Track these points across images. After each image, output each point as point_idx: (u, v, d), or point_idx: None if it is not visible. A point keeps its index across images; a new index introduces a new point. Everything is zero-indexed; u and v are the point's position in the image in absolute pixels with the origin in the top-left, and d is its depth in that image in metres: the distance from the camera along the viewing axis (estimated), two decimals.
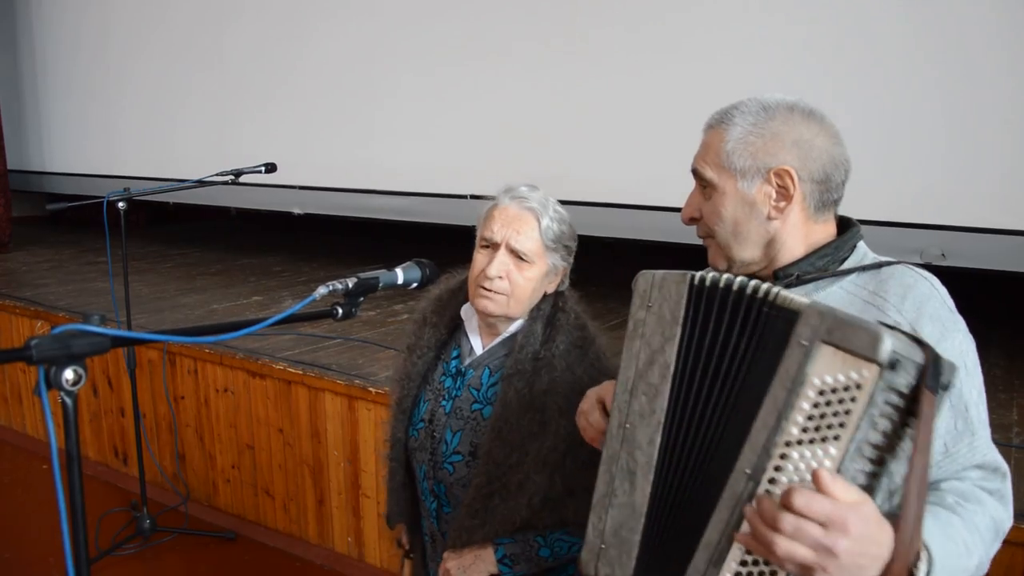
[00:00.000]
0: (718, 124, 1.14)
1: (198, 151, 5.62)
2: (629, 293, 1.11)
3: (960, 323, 1.07)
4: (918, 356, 0.85)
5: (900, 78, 3.16)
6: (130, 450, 3.77)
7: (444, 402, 1.58)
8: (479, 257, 1.52)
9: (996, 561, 2.01)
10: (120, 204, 3.07)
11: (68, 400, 0.85)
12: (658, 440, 1.04)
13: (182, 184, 3.33)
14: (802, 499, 0.83)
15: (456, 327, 1.63)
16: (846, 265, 1.13)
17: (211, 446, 3.57)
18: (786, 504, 0.84)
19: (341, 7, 4.83)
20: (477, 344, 1.59)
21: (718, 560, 0.94)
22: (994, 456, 1.04)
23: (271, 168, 3.29)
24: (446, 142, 4.49)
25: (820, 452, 0.86)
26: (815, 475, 0.84)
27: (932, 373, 0.85)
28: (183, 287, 4.87)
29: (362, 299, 1.18)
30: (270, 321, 0.94)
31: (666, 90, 3.71)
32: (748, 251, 1.14)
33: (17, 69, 6.84)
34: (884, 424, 0.86)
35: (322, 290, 1.11)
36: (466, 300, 1.60)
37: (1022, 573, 1.99)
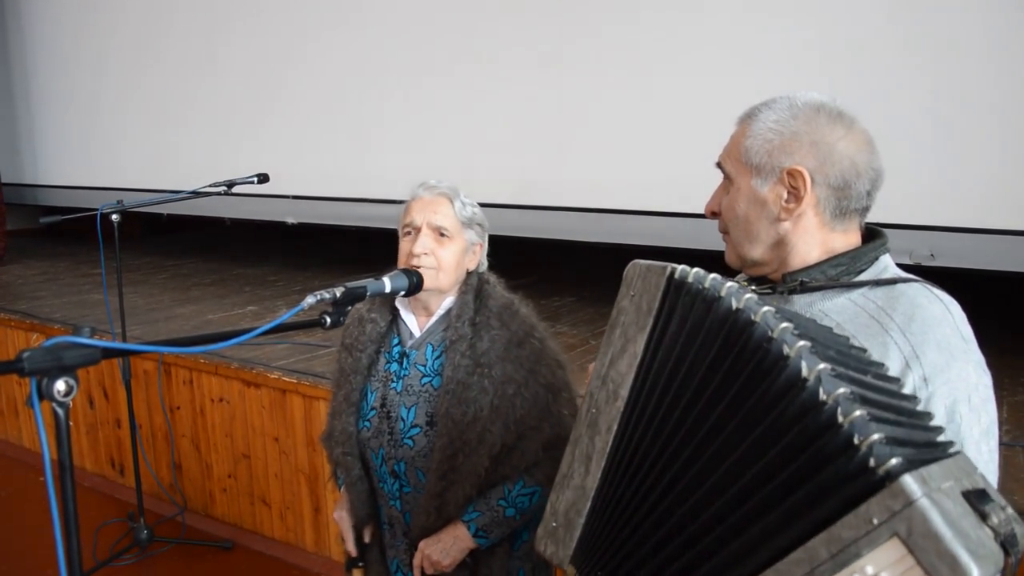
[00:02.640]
0: (746, 118, 1.12)
1: (192, 162, 5.64)
2: None
3: (973, 353, 1.01)
4: (993, 571, 0.74)
5: (888, 80, 3.19)
6: (127, 461, 3.78)
7: (393, 384, 1.67)
8: (404, 244, 1.64)
9: None
10: (114, 216, 3.09)
11: (60, 411, 0.86)
12: (615, 428, 1.03)
13: (176, 196, 3.35)
14: None
15: (393, 319, 1.73)
16: (862, 277, 1.07)
17: (207, 456, 3.58)
18: None
19: (334, 19, 4.86)
20: (415, 327, 1.70)
21: None
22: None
23: (264, 179, 3.31)
24: (439, 151, 4.52)
25: None
26: None
27: None
28: (178, 298, 4.88)
29: (350, 308, 1.20)
30: (258, 331, 0.96)
31: (659, 97, 3.74)
32: (757, 251, 1.11)
33: (9, 82, 6.86)
34: None
35: (310, 299, 1.14)
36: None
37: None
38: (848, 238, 1.10)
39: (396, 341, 1.71)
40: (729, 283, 0.94)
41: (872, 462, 0.76)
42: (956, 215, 3.13)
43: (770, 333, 0.86)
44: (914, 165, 3.19)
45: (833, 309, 1.05)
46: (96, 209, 3.11)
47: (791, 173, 1.05)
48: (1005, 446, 2.44)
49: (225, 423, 3.49)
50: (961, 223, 3.12)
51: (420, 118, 4.58)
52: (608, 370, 1.06)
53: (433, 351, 1.66)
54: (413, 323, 1.70)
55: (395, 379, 1.67)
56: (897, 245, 3.67)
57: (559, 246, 4.21)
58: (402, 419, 1.64)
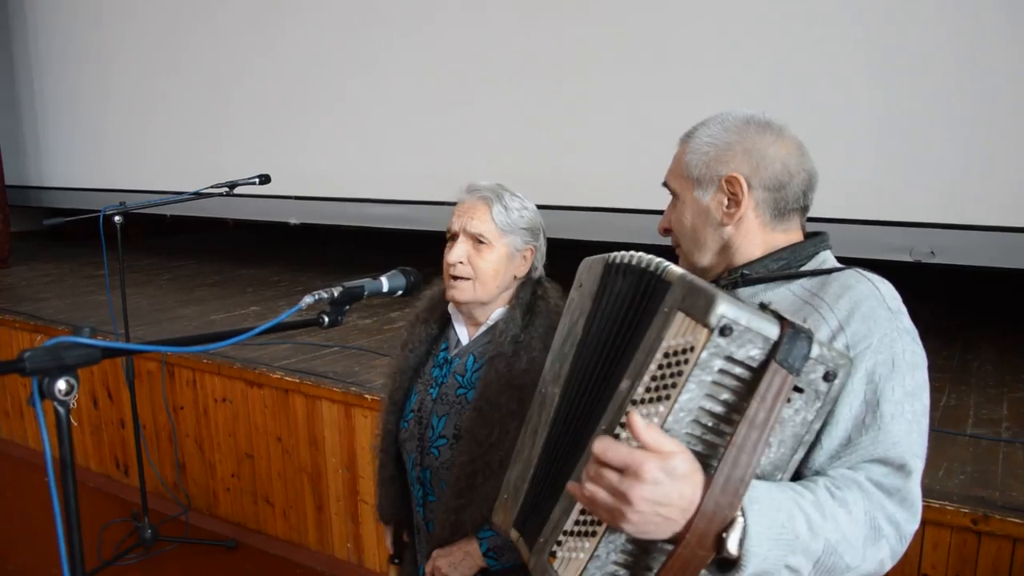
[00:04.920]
0: (686, 138, 1.20)
1: (194, 163, 5.66)
2: None
3: (900, 322, 1.05)
4: (771, 331, 0.85)
5: (887, 78, 3.20)
6: (131, 461, 3.80)
7: (431, 390, 1.65)
8: (445, 252, 1.61)
9: (984, 554, 2.05)
10: (116, 218, 3.11)
11: (61, 409, 0.88)
12: (556, 400, 1.11)
13: (178, 197, 3.36)
14: (600, 446, 0.86)
15: (447, 323, 1.70)
16: (802, 270, 1.13)
17: (211, 455, 3.60)
18: (592, 452, 0.87)
19: (334, 18, 4.87)
20: (463, 335, 1.66)
21: (568, 509, 0.98)
22: (901, 452, 0.98)
23: (265, 179, 3.32)
24: (441, 150, 4.53)
25: (652, 411, 0.88)
26: (628, 419, 0.85)
27: (787, 349, 0.84)
28: (182, 299, 4.90)
29: (348, 307, 1.21)
30: (255, 331, 0.97)
31: (659, 96, 3.74)
32: (706, 257, 1.18)
33: (14, 84, 6.89)
34: (727, 395, 0.87)
35: (308, 299, 1.14)
36: None
37: (1010, 565, 2.01)
38: (789, 237, 1.16)
39: (445, 346, 1.68)
40: (641, 254, 1.05)
41: (657, 270, 0.98)
42: (957, 212, 3.13)
43: (664, 277, 0.98)
44: (914, 162, 3.19)
45: (774, 299, 1.10)
46: (99, 211, 3.13)
47: (728, 180, 1.13)
48: (1005, 443, 2.45)
49: (228, 423, 3.50)
50: (962, 220, 3.12)
51: (422, 118, 4.59)
52: (558, 354, 1.16)
53: (474, 363, 1.62)
54: (463, 331, 1.66)
55: (434, 385, 1.64)
56: (897, 242, 3.66)
57: (558, 244, 4.21)
58: (432, 427, 1.61)
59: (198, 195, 3.26)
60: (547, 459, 1.11)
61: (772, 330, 0.85)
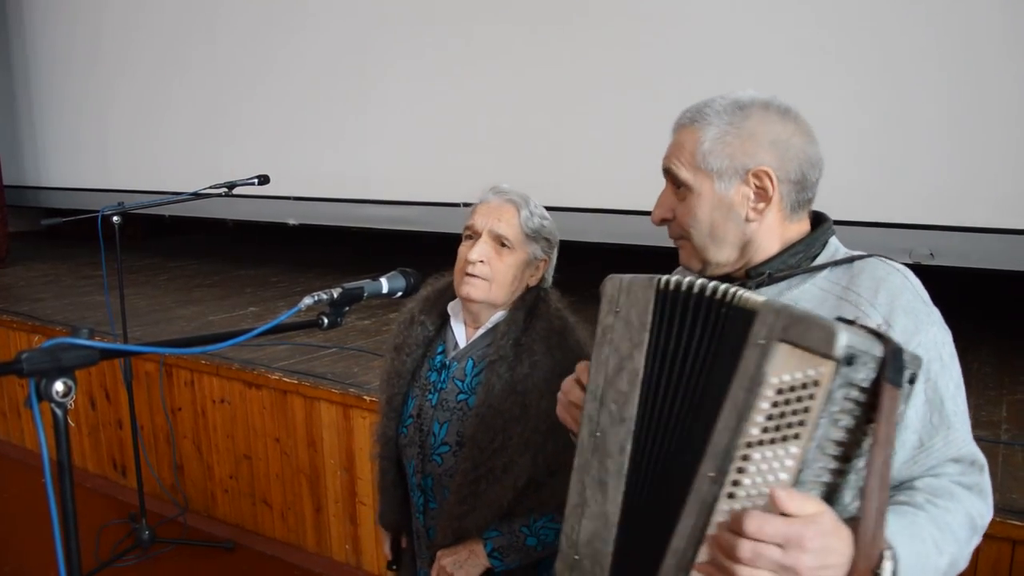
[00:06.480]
0: (691, 123, 1.10)
1: (193, 163, 5.65)
2: None
3: (935, 314, 1.04)
4: (877, 350, 0.84)
5: (888, 78, 3.20)
6: (128, 462, 3.79)
7: (430, 395, 1.62)
8: (462, 248, 1.58)
9: (983, 557, 2.04)
10: (115, 218, 3.10)
11: (59, 411, 0.87)
12: (628, 448, 1.02)
13: (176, 197, 3.35)
14: (755, 524, 0.83)
15: (443, 325, 1.67)
16: (818, 261, 1.10)
17: (209, 457, 3.59)
18: (740, 530, 0.83)
19: (330, 18, 4.87)
20: (461, 337, 1.63)
21: (686, 567, 0.92)
22: (971, 449, 1.02)
23: (264, 180, 3.31)
24: (439, 151, 4.53)
25: (781, 452, 0.85)
26: (771, 495, 0.83)
27: (893, 366, 0.84)
28: (180, 299, 4.89)
29: (347, 309, 1.20)
30: (254, 332, 0.96)
31: (657, 94, 3.74)
32: (724, 253, 1.11)
33: (11, 84, 6.88)
34: (846, 420, 0.85)
35: (307, 300, 1.13)
36: (453, 298, 1.65)
37: (1009, 568, 2.01)
38: (801, 227, 1.13)
39: (441, 349, 1.64)
40: (702, 280, 0.99)
41: (727, 297, 0.93)
42: (956, 214, 3.13)
43: (739, 304, 0.94)
44: (915, 164, 3.19)
45: (801, 297, 1.07)
46: (97, 211, 3.12)
47: (757, 174, 1.06)
48: (1004, 445, 2.44)
49: (226, 424, 3.49)
50: (961, 222, 3.12)
51: (420, 119, 4.59)
52: (605, 391, 1.05)
53: (473, 367, 1.59)
54: (461, 333, 1.63)
55: (433, 391, 1.62)
56: (897, 244, 3.65)
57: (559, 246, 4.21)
58: (433, 434, 1.59)
59: (197, 195, 3.25)
60: (635, 517, 1.02)
61: (878, 348, 0.84)
